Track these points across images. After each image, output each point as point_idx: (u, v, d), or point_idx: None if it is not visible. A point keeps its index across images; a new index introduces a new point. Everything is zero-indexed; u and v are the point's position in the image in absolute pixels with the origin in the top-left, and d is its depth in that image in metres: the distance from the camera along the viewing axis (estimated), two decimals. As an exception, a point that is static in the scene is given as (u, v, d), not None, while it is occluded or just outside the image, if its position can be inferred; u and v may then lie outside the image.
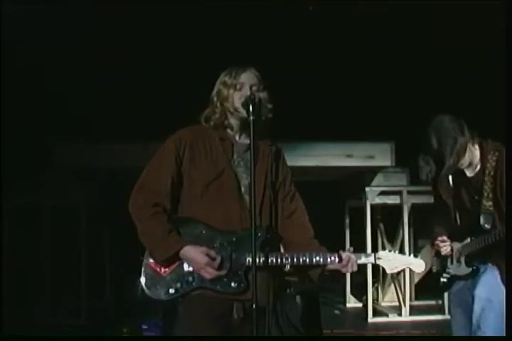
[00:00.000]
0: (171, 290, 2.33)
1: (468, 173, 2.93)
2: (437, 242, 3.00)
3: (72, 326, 5.66)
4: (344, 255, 2.37)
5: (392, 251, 2.45)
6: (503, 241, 2.67)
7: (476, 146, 2.87)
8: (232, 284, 2.32)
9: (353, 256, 2.38)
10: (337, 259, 2.37)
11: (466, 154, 2.82)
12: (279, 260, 2.34)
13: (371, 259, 2.41)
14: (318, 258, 2.36)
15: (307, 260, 2.35)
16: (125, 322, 5.07)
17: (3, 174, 5.05)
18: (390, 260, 2.41)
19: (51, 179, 5.97)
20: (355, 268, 2.39)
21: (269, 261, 2.33)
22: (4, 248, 5.42)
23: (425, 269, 2.48)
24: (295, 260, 2.35)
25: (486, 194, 2.82)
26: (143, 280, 2.37)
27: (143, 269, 2.39)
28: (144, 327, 4.89)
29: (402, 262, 2.42)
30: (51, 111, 5.89)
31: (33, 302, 5.92)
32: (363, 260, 2.41)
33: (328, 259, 2.37)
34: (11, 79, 4.78)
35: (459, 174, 2.94)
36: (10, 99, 4.85)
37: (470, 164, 2.89)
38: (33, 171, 5.79)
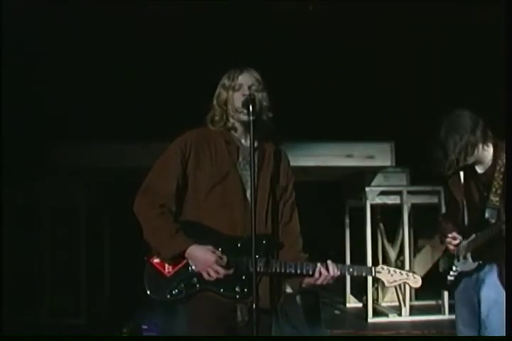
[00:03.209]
0: (175, 291, 2.33)
1: (479, 170, 2.94)
2: (449, 239, 3.00)
3: (72, 326, 5.66)
4: (317, 271, 2.38)
5: (390, 267, 2.52)
6: (504, 236, 2.68)
7: (490, 145, 2.89)
8: (236, 288, 2.32)
9: (325, 272, 2.38)
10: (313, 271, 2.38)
11: (475, 152, 2.84)
12: (282, 268, 2.35)
13: (371, 273, 2.47)
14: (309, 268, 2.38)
15: (310, 270, 2.38)
16: (125, 322, 5.07)
17: (3, 174, 5.05)
18: (389, 274, 2.49)
19: (51, 179, 5.96)
20: (329, 282, 2.41)
21: (273, 268, 2.34)
22: (4, 248, 5.42)
23: (420, 284, 2.54)
24: (298, 270, 2.36)
25: (494, 189, 2.84)
26: (146, 280, 2.36)
27: (146, 270, 2.38)
28: (144, 327, 4.89)
29: (400, 277, 2.50)
30: (51, 111, 5.88)
31: (33, 302, 5.92)
32: (363, 273, 2.48)
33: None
34: (11, 78, 4.78)
35: (470, 170, 2.96)
36: (10, 99, 4.84)
37: (481, 162, 2.91)
38: (33, 171, 5.79)
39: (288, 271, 2.36)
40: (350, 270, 2.45)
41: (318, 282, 2.39)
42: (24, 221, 5.96)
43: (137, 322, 4.96)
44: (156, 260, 2.38)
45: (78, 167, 5.86)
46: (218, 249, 2.32)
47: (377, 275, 2.46)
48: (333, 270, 2.38)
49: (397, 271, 2.49)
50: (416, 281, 2.49)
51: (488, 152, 2.90)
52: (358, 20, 6.07)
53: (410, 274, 2.51)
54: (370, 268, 2.47)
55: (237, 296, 2.31)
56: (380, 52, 6.40)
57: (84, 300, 6.07)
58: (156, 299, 2.36)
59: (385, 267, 2.49)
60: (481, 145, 2.85)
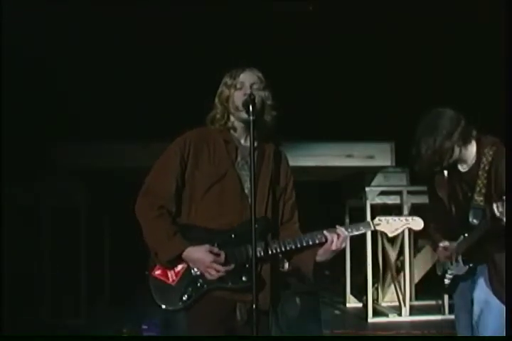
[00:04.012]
0: (184, 297, 2.32)
1: (462, 169, 2.87)
2: (440, 249, 2.96)
3: (72, 326, 5.66)
4: (329, 235, 2.36)
5: (387, 217, 2.47)
6: (491, 236, 2.65)
7: (473, 143, 2.81)
8: (243, 278, 2.31)
9: (335, 235, 2.36)
10: (323, 239, 2.37)
11: (452, 155, 2.77)
12: (282, 247, 2.35)
13: (370, 227, 2.43)
14: (319, 236, 2.36)
15: (309, 241, 2.36)
16: (125, 322, 5.07)
17: (3, 174, 5.05)
18: (388, 224, 2.44)
19: (51, 179, 5.96)
20: (343, 245, 2.38)
21: (272, 249, 2.34)
22: (4, 248, 5.42)
23: (423, 225, 2.48)
24: (298, 244, 2.36)
25: (478, 188, 2.75)
26: (154, 294, 2.34)
27: (150, 283, 2.36)
28: (144, 327, 4.89)
29: (401, 223, 2.45)
30: (51, 111, 5.89)
31: (33, 302, 5.92)
32: (362, 230, 2.43)
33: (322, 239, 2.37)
34: (11, 78, 4.78)
35: (453, 169, 2.88)
36: (10, 99, 4.84)
37: (463, 160, 2.83)
38: (33, 171, 5.79)
39: (288, 248, 2.35)
40: (349, 230, 2.41)
41: (334, 247, 2.35)
42: (24, 221, 5.96)
43: (137, 322, 4.97)
44: (158, 271, 2.36)
45: (78, 167, 5.86)
46: (214, 245, 2.32)
47: (377, 227, 2.42)
48: (342, 232, 2.36)
49: (396, 218, 2.45)
50: (417, 223, 2.45)
51: (469, 151, 2.81)
52: (358, 20, 6.07)
53: (409, 218, 2.46)
54: (368, 223, 2.43)
55: (246, 286, 2.28)
56: (380, 52, 6.40)
57: (84, 300, 6.07)
58: (170, 309, 2.34)
59: (382, 218, 2.44)
60: (458, 148, 2.76)
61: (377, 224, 2.42)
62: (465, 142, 2.78)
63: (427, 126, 2.79)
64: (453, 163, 2.84)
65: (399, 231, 2.45)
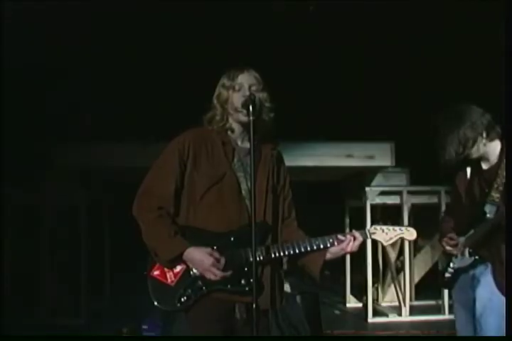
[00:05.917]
0: (183, 298, 2.32)
1: (484, 166, 2.92)
2: (446, 239, 2.97)
3: (72, 326, 5.66)
4: (348, 236, 2.41)
5: (383, 226, 2.53)
6: (500, 230, 2.68)
7: (497, 141, 2.86)
8: (242, 281, 2.31)
9: (353, 237, 2.42)
10: (336, 242, 2.41)
11: (475, 147, 2.81)
12: (281, 252, 2.36)
13: (366, 235, 2.47)
14: (317, 242, 2.39)
15: (307, 247, 2.38)
16: (125, 322, 5.07)
17: (4, 174, 5.05)
18: (383, 233, 2.49)
19: (51, 179, 5.96)
20: (356, 249, 2.42)
21: (272, 253, 2.35)
22: (4, 248, 5.42)
23: (415, 235, 2.54)
24: (296, 249, 2.37)
25: (495, 185, 2.80)
26: (152, 294, 2.34)
27: (149, 284, 2.36)
28: (144, 327, 4.89)
29: (395, 233, 2.51)
30: (51, 111, 5.89)
31: (33, 302, 5.92)
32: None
33: (328, 243, 2.40)
34: (11, 78, 4.78)
35: (475, 167, 2.93)
36: (10, 99, 4.84)
37: (486, 158, 2.88)
38: (33, 171, 5.79)
39: (287, 253, 2.36)
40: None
41: (348, 249, 2.40)
42: (24, 221, 5.95)
43: (137, 322, 4.97)
44: (157, 272, 2.35)
45: (78, 167, 5.86)
46: (213, 248, 2.32)
47: (373, 236, 2.47)
48: (358, 236, 2.41)
49: (390, 228, 2.51)
50: (411, 234, 2.52)
51: (493, 148, 2.86)
52: (359, 20, 6.07)
53: (404, 228, 2.53)
54: (364, 232, 2.47)
55: (246, 289, 2.30)
56: (380, 52, 6.40)
57: (84, 300, 6.06)
58: (168, 310, 2.35)
59: (378, 227, 2.50)
60: (483, 141, 2.82)
61: (373, 233, 2.48)
62: (488, 135, 2.82)
63: (450, 118, 2.84)
64: (477, 159, 2.89)
65: (393, 240, 2.51)
